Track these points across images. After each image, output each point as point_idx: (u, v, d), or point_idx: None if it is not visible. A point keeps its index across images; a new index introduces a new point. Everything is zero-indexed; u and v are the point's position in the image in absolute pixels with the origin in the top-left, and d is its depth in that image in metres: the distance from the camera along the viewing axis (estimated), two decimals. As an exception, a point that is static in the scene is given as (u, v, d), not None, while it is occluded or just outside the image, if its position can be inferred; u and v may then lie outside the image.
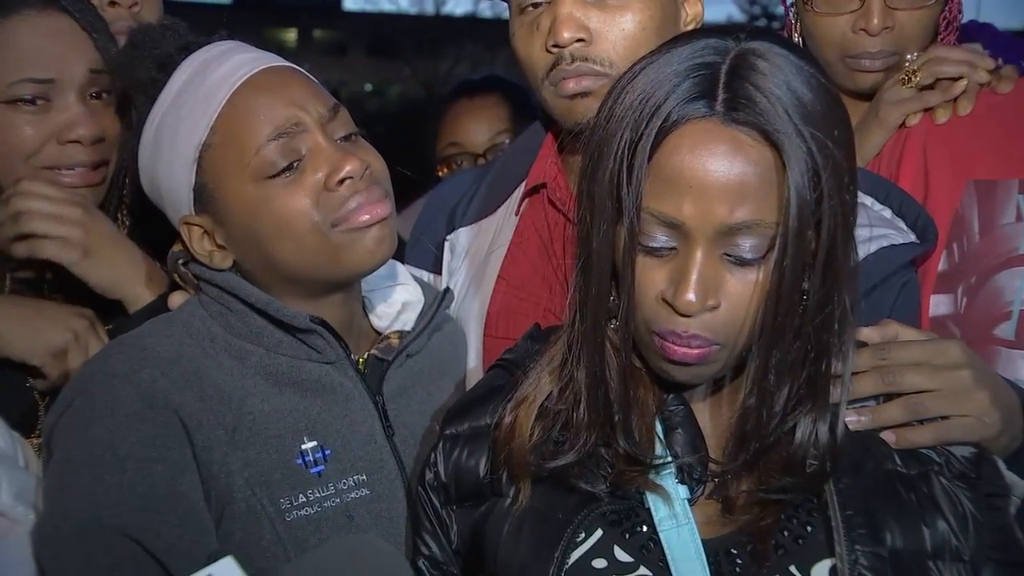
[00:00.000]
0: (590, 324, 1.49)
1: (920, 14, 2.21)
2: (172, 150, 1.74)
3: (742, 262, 1.40)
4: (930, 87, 2.14)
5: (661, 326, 1.43)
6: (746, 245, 1.39)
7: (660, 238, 1.41)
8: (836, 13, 2.21)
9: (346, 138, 1.76)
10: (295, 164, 1.69)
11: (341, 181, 1.69)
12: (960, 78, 2.11)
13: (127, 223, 2.08)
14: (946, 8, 2.27)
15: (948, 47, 2.14)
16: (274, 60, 1.80)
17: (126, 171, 2.04)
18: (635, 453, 1.49)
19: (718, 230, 1.38)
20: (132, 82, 1.83)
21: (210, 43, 1.81)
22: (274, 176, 1.69)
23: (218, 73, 1.74)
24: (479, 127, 3.14)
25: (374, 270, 1.79)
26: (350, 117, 1.79)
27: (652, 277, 1.43)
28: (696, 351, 1.43)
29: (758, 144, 1.38)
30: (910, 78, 2.14)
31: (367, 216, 1.71)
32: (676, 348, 1.43)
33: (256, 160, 1.68)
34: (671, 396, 1.54)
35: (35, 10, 1.91)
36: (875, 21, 2.17)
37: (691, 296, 1.39)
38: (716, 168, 1.37)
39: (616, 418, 1.49)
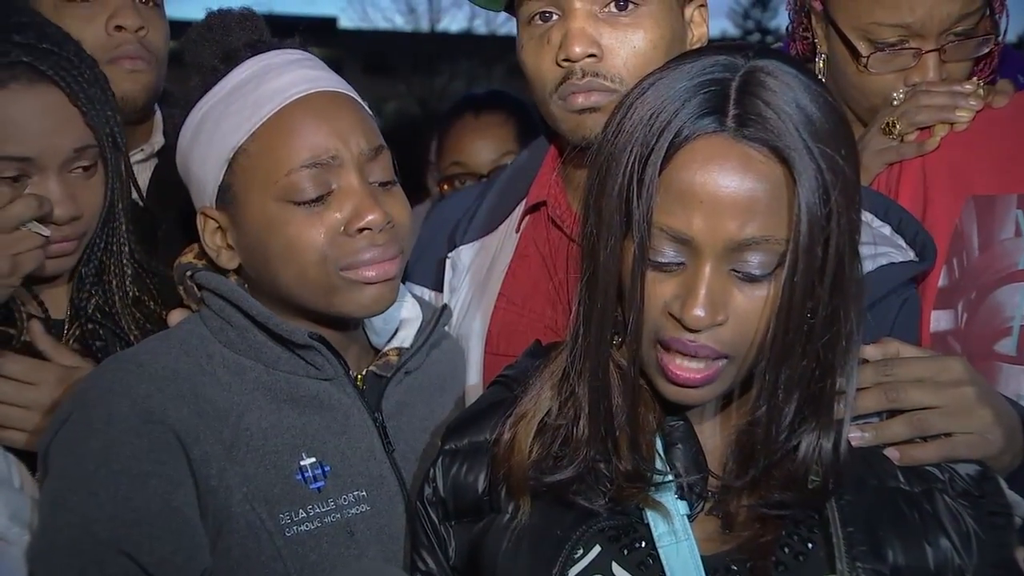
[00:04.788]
0: (594, 339, 1.48)
1: (969, 62, 2.22)
2: (209, 143, 1.75)
3: (750, 278, 1.40)
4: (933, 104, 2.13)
5: (667, 335, 1.43)
6: (755, 261, 1.39)
7: (669, 253, 1.41)
8: (890, 72, 2.20)
9: (382, 184, 1.75)
10: (322, 198, 1.69)
11: (360, 230, 1.69)
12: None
13: (117, 268, 2.05)
14: (993, 47, 2.25)
15: (933, 89, 2.14)
16: (334, 84, 1.78)
17: (117, 220, 2.02)
18: (638, 470, 1.48)
19: (727, 246, 1.38)
20: (194, 61, 1.82)
21: (280, 48, 1.80)
22: (298, 203, 1.69)
23: (275, 83, 1.73)
24: (485, 147, 3.11)
25: (365, 318, 1.79)
26: (392, 163, 1.78)
27: (659, 290, 1.43)
28: (701, 374, 1.43)
29: (768, 160, 1.38)
30: (891, 127, 2.14)
31: (373, 273, 1.71)
32: (680, 372, 1.43)
33: (284, 181, 1.69)
34: (671, 412, 1.53)
35: (23, 84, 1.84)
36: (931, 76, 2.17)
37: (699, 311, 1.39)
38: (727, 184, 1.38)
39: (620, 434, 1.49)
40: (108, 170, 1.97)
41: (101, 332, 2.02)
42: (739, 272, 1.40)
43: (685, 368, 1.43)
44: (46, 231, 1.85)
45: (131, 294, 2.04)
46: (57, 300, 2.01)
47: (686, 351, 1.42)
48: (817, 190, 1.37)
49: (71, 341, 2.00)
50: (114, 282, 2.03)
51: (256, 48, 1.79)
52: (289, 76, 1.75)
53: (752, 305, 1.41)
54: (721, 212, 1.38)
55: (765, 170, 1.38)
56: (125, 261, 2.04)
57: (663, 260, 1.42)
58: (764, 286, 1.41)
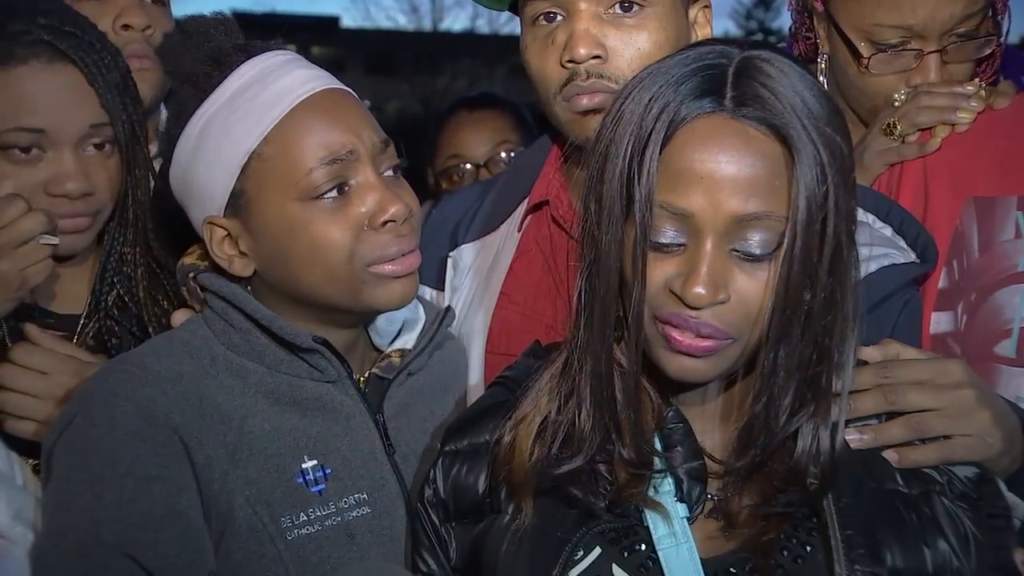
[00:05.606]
0: (596, 329, 1.49)
1: (971, 63, 2.22)
2: (217, 150, 1.72)
3: (752, 258, 1.41)
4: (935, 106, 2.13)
5: (668, 310, 1.43)
6: (755, 239, 1.40)
7: (669, 233, 1.42)
8: (891, 73, 2.20)
9: (392, 171, 1.76)
10: (344, 194, 1.69)
11: (384, 223, 1.70)
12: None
13: (140, 264, 2.07)
14: (995, 48, 2.25)
15: (934, 90, 2.14)
16: (335, 82, 1.79)
17: (137, 209, 2.05)
18: (642, 457, 1.48)
19: (728, 222, 1.39)
20: (177, 70, 1.80)
21: (270, 49, 1.79)
22: (319, 197, 1.68)
23: (280, 84, 1.72)
24: (480, 138, 3.18)
25: (390, 311, 1.80)
26: (395, 151, 1.78)
27: (661, 270, 1.43)
28: (704, 343, 1.43)
29: (767, 138, 1.40)
30: (892, 128, 2.15)
31: (399, 267, 1.72)
32: (682, 339, 1.43)
33: (305, 181, 1.68)
34: (670, 413, 1.53)
35: (43, 62, 1.90)
36: (933, 78, 2.17)
37: (700, 289, 1.39)
38: (726, 160, 1.39)
39: (622, 420, 1.49)
40: (123, 156, 2.00)
41: (116, 329, 2.03)
42: (740, 251, 1.41)
43: (688, 336, 1.43)
44: (55, 240, 1.87)
45: (150, 291, 2.06)
46: (74, 295, 2.02)
47: (687, 327, 1.42)
48: (815, 167, 1.38)
49: (89, 335, 2.02)
50: (140, 271, 2.06)
51: (248, 51, 1.77)
52: (292, 76, 1.74)
53: (753, 285, 1.42)
54: (721, 189, 1.39)
55: (764, 147, 1.39)
56: (141, 252, 2.06)
57: (664, 240, 1.42)
58: (765, 266, 1.41)
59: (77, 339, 2.00)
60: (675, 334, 1.43)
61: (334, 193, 1.68)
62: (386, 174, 1.74)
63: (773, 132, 1.39)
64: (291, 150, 1.69)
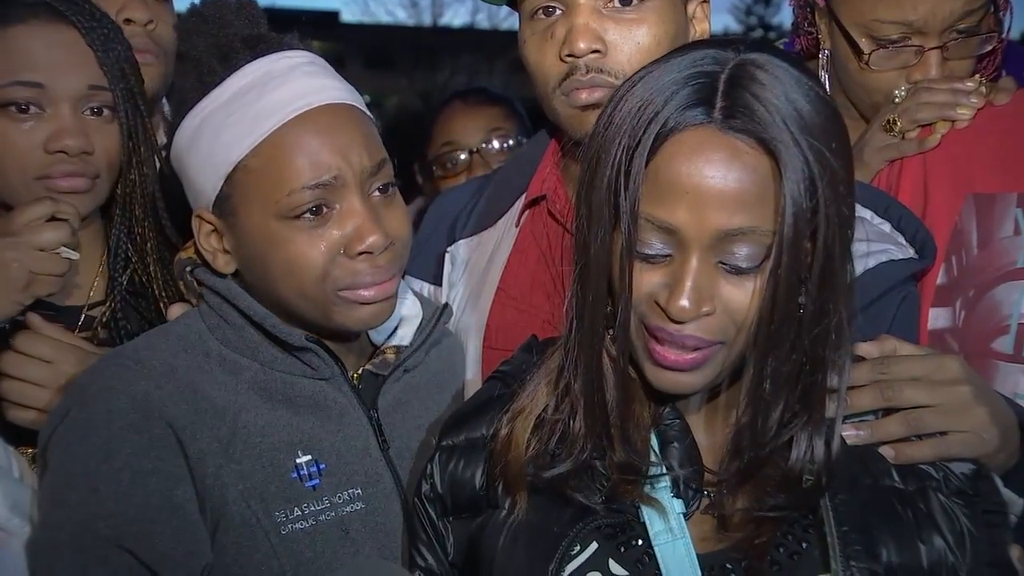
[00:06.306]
0: (587, 331, 1.48)
1: (972, 60, 2.22)
2: (209, 152, 1.72)
3: (737, 271, 1.40)
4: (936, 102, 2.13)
5: (652, 322, 1.43)
6: (741, 253, 1.39)
7: (656, 245, 1.41)
8: (892, 69, 2.19)
9: (383, 189, 1.73)
10: (324, 216, 1.68)
11: (361, 252, 1.68)
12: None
13: (148, 238, 2.08)
14: (996, 44, 2.24)
15: (934, 86, 2.14)
16: (335, 95, 1.74)
17: (142, 189, 2.06)
18: (632, 463, 1.48)
19: (714, 237, 1.38)
20: (189, 53, 1.79)
21: (280, 49, 1.76)
22: (298, 217, 1.67)
23: (277, 94, 1.70)
24: (474, 124, 3.20)
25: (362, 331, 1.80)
26: (391, 169, 1.76)
27: (646, 279, 1.43)
28: (689, 357, 1.43)
29: (755, 152, 1.38)
30: (892, 124, 2.14)
31: (371, 293, 1.71)
32: (668, 355, 1.43)
33: (287, 200, 1.66)
34: (667, 410, 1.53)
35: (41, 21, 1.94)
36: (933, 74, 2.16)
37: (684, 302, 1.39)
38: (713, 175, 1.37)
39: (613, 428, 1.49)
40: (123, 125, 2.01)
41: (120, 318, 2.04)
42: (726, 264, 1.40)
43: (673, 351, 1.43)
44: (75, 255, 1.88)
45: (161, 264, 2.07)
46: (74, 287, 2.02)
47: (672, 340, 1.42)
48: (803, 182, 1.37)
49: (103, 319, 2.02)
50: (149, 245, 2.07)
51: (255, 48, 1.74)
52: (290, 87, 1.71)
53: (739, 295, 1.41)
54: (707, 203, 1.37)
55: (752, 162, 1.38)
56: (151, 228, 2.07)
57: (650, 252, 1.42)
58: (751, 278, 1.40)
59: (81, 327, 2.00)
60: (659, 349, 1.44)
61: (315, 216, 1.67)
62: (375, 194, 1.72)
63: (761, 146, 1.38)
64: (276, 167, 1.67)
